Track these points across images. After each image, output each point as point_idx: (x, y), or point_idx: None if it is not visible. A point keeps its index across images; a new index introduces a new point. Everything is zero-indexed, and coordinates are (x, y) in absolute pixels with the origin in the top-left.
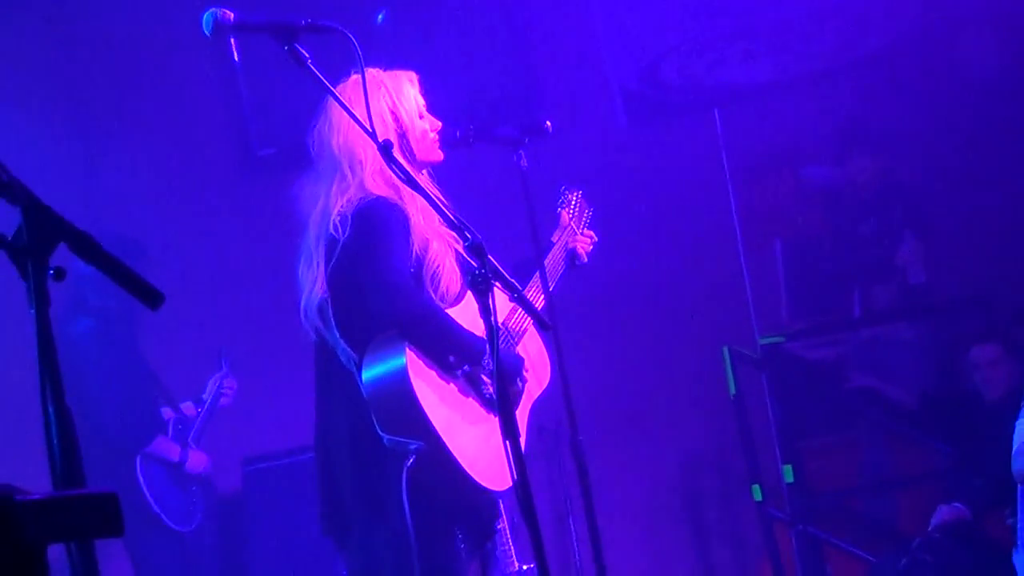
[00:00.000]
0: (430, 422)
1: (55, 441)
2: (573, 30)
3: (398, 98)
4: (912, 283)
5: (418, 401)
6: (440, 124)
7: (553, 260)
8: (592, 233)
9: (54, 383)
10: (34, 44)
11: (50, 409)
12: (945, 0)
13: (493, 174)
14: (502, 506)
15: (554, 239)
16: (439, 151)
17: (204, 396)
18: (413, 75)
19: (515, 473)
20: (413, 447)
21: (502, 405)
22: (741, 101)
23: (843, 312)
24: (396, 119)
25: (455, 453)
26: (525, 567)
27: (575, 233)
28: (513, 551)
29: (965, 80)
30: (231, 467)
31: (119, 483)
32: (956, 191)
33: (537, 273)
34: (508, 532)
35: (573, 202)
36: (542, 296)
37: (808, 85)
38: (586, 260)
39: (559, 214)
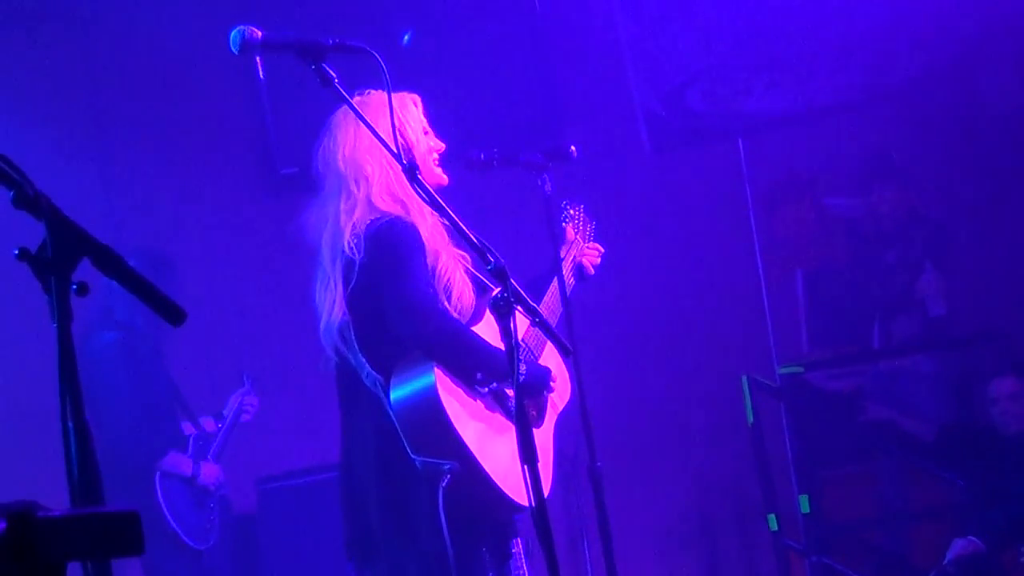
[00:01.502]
0: (463, 441)
1: (74, 456)
2: (599, 54)
3: (404, 117)
4: (932, 316)
5: (450, 420)
6: (444, 146)
7: (565, 275)
8: (598, 245)
9: (74, 398)
10: (57, 60)
11: (69, 424)
12: (970, 35)
13: (500, 191)
14: (519, 527)
15: (561, 254)
16: (443, 174)
17: (225, 412)
18: (417, 97)
19: (532, 496)
20: (447, 467)
21: (521, 431)
22: (765, 130)
23: (863, 343)
24: (403, 137)
25: (488, 471)
26: None
27: (581, 247)
28: (527, 574)
29: (988, 114)
30: (246, 485)
31: (137, 498)
32: (977, 224)
33: (550, 288)
34: (523, 554)
35: (576, 216)
36: (557, 314)
37: (832, 116)
38: (593, 272)
39: (564, 229)
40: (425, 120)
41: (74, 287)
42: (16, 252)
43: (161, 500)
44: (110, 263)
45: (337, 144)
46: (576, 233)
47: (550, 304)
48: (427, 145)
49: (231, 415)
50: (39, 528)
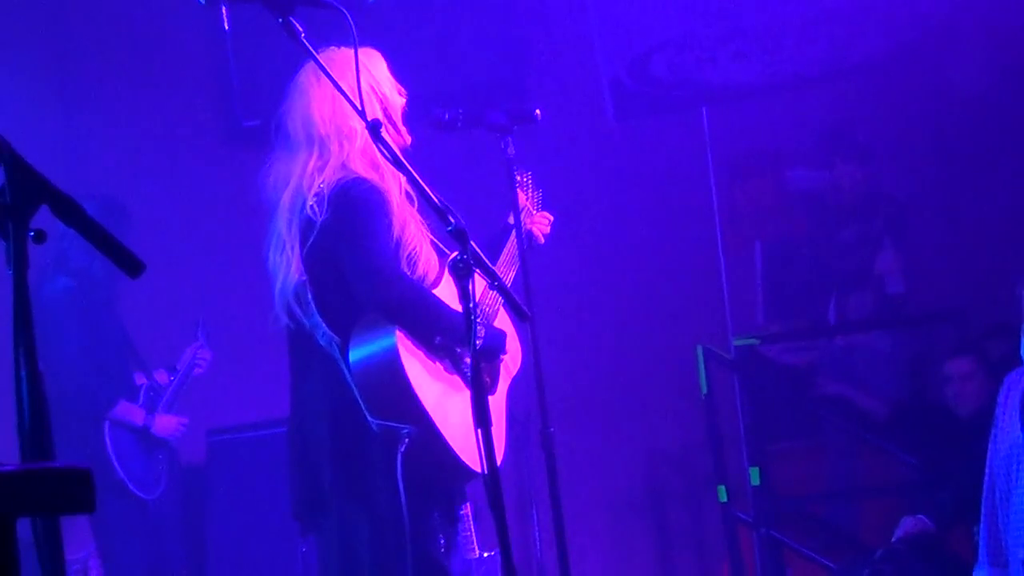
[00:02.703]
0: (422, 405)
1: (25, 407)
2: (564, 20)
3: (377, 74)
4: (890, 293)
5: (410, 384)
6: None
7: (514, 242)
8: (547, 214)
9: (28, 348)
10: (20, 5)
11: (22, 374)
12: (937, 13)
13: (464, 155)
14: (467, 490)
15: (510, 221)
16: (407, 133)
17: (178, 365)
18: (378, 53)
19: (485, 462)
20: (405, 431)
21: (476, 395)
22: (730, 101)
23: (819, 318)
24: (378, 95)
25: (446, 436)
26: (486, 554)
27: (531, 214)
28: (475, 537)
29: (953, 93)
30: (196, 437)
31: (85, 446)
32: (938, 203)
33: (502, 253)
34: (471, 518)
35: (524, 182)
36: (511, 274)
37: (798, 89)
38: (543, 242)
39: (515, 195)
40: (392, 78)
41: (31, 234)
42: None
43: (110, 449)
44: (70, 211)
45: (312, 102)
46: (526, 199)
47: (504, 265)
48: (400, 104)
49: (184, 368)
50: None
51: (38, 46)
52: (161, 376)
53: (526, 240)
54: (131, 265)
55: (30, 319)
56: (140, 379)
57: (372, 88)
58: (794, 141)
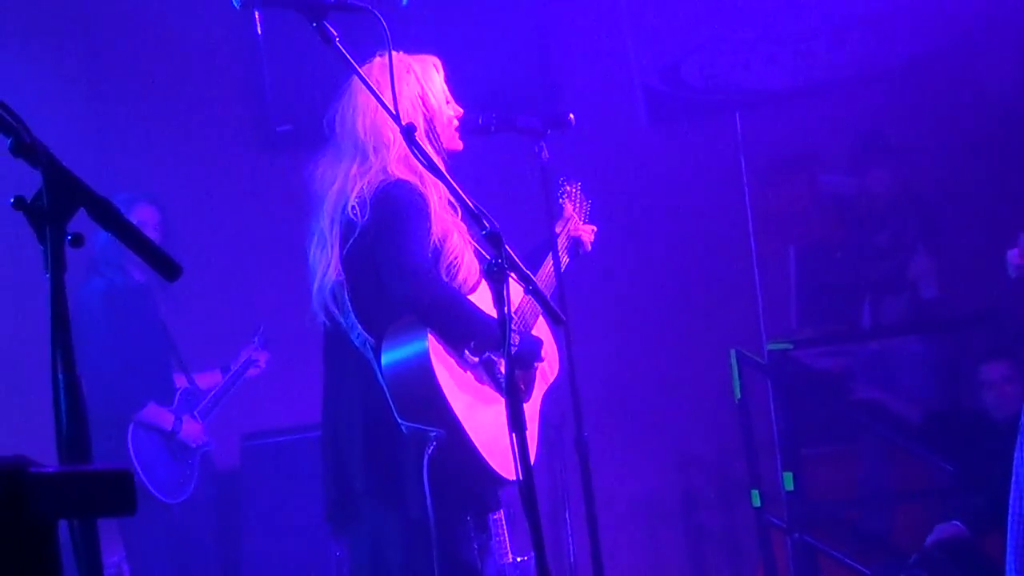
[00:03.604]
0: (451, 409)
1: (63, 410)
2: (598, 25)
3: (426, 82)
4: (923, 297)
5: (440, 388)
6: (462, 111)
7: (560, 250)
8: (593, 227)
9: (66, 351)
10: (55, 11)
11: (60, 377)
12: (968, 17)
13: (502, 163)
14: (501, 496)
15: (557, 229)
16: (459, 140)
17: (232, 365)
18: (438, 61)
19: (519, 467)
20: (433, 434)
21: (511, 399)
22: (762, 105)
23: (853, 322)
24: (425, 104)
25: (475, 441)
26: (519, 559)
27: (578, 223)
28: (508, 542)
29: (984, 97)
30: (230, 442)
31: (109, 448)
32: (971, 207)
33: (545, 261)
34: (505, 523)
35: (573, 194)
36: (551, 289)
37: (830, 93)
38: (589, 249)
39: (561, 205)
40: (446, 87)
41: (69, 238)
42: (12, 201)
43: (131, 451)
44: (106, 215)
45: (358, 108)
46: (573, 209)
47: (544, 278)
48: (448, 114)
49: (237, 368)
50: (31, 484)
51: (71, 52)
52: (207, 379)
53: (572, 248)
54: (167, 268)
55: (68, 322)
56: (181, 382)
57: (419, 95)
58: (827, 145)
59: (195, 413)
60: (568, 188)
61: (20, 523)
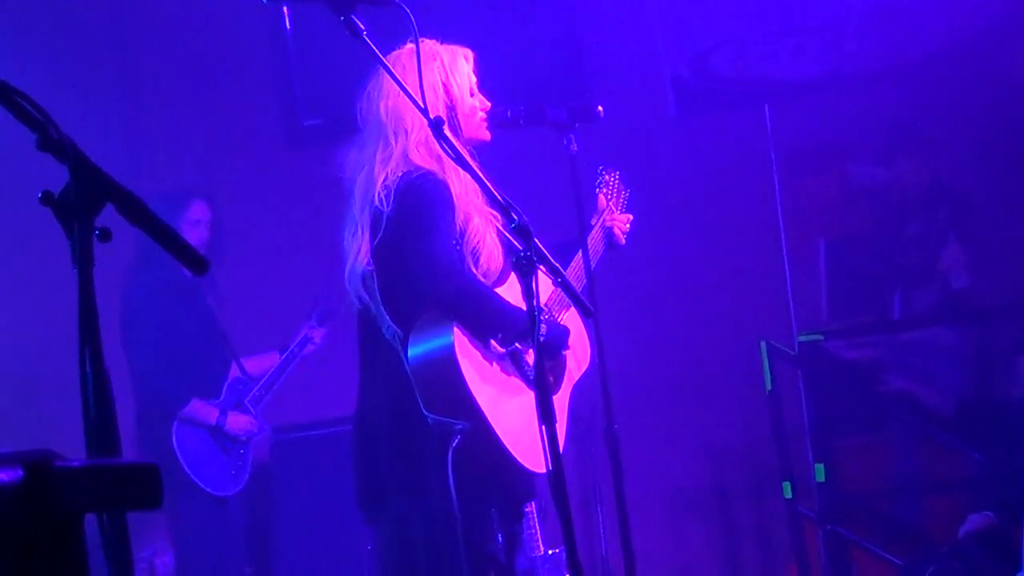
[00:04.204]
0: (476, 403)
1: (91, 406)
2: (627, 16)
3: (452, 71)
4: (954, 288)
5: (465, 382)
6: (490, 104)
7: (593, 242)
8: (629, 216)
9: (93, 346)
10: (84, 6)
11: (88, 371)
12: (999, 7)
13: (535, 155)
14: (533, 489)
15: (592, 221)
16: (487, 131)
17: (290, 344)
18: (469, 52)
19: (550, 459)
20: (458, 427)
21: (540, 391)
22: (791, 96)
23: (883, 313)
24: (447, 92)
25: (500, 434)
26: (551, 552)
27: (613, 214)
28: (540, 535)
29: (1017, 86)
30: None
31: (156, 447)
32: (1003, 197)
33: (577, 254)
34: (536, 515)
35: (611, 183)
36: (583, 280)
37: (859, 84)
38: (623, 242)
39: (596, 196)
40: (475, 76)
41: (96, 232)
42: (39, 196)
43: (176, 447)
44: (134, 209)
45: (381, 93)
46: (608, 200)
47: (575, 272)
48: (471, 104)
49: (293, 346)
50: (56, 478)
51: (101, 49)
52: (263, 362)
53: (607, 239)
54: (195, 262)
55: (96, 318)
56: (236, 373)
57: (442, 82)
58: (857, 136)
59: (245, 403)
60: (606, 177)
61: (46, 517)
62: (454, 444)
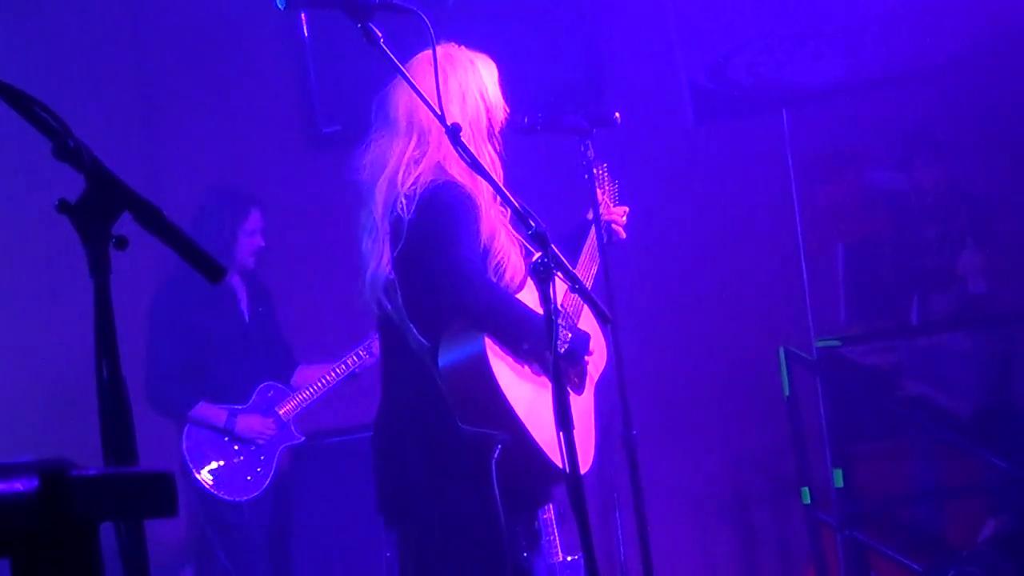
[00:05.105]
0: (513, 411)
1: (108, 413)
2: (644, 24)
3: (490, 80)
4: (972, 293)
5: (501, 392)
6: (508, 111)
7: (593, 239)
8: (625, 208)
9: (110, 353)
10: (101, 14)
11: (105, 379)
12: (1017, 12)
13: (541, 160)
14: (551, 493)
15: (589, 217)
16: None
17: (345, 358)
18: (492, 63)
19: (567, 463)
20: (497, 438)
21: (558, 398)
22: (809, 102)
23: (901, 319)
24: (484, 100)
25: (538, 440)
26: (569, 558)
27: (609, 208)
28: (558, 541)
29: None
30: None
31: (173, 451)
32: (1020, 201)
33: (585, 247)
34: (555, 521)
35: (601, 176)
36: (593, 269)
37: (877, 89)
38: (624, 235)
39: (593, 191)
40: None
41: (113, 241)
42: (56, 204)
43: (184, 450)
44: (150, 217)
45: (411, 95)
46: (603, 194)
47: (585, 263)
48: (502, 112)
49: (353, 364)
50: (72, 486)
51: (120, 56)
52: (309, 373)
53: (605, 235)
54: (211, 270)
55: (112, 325)
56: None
57: (480, 90)
58: (874, 141)
59: (275, 410)
60: (595, 171)
61: (62, 526)
62: (495, 456)
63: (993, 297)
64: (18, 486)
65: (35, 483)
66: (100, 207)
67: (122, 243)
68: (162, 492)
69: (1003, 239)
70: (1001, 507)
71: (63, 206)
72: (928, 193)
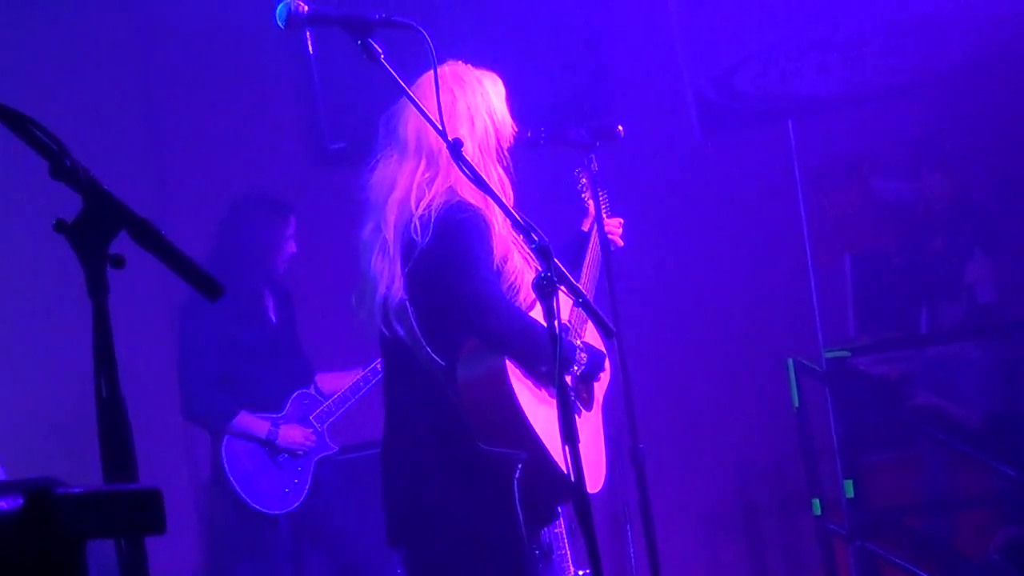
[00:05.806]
0: (534, 432)
1: (106, 431)
2: (648, 36)
3: (498, 99)
4: (981, 302)
5: (522, 411)
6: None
7: (593, 252)
8: (620, 219)
9: (109, 371)
10: (107, 32)
11: (104, 396)
12: (1021, 20)
13: (542, 174)
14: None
15: (585, 227)
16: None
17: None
18: (500, 81)
19: (573, 476)
20: (518, 457)
21: (564, 413)
22: (815, 112)
23: (910, 329)
24: (492, 118)
25: (557, 459)
26: (581, 573)
27: (603, 220)
28: (570, 556)
29: None
30: None
31: (212, 463)
32: None
33: (586, 259)
34: (566, 536)
35: (589, 188)
36: (595, 279)
37: (883, 99)
38: (621, 244)
39: (585, 203)
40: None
41: (110, 260)
42: (53, 224)
43: (224, 463)
44: (147, 236)
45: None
46: (594, 207)
47: (588, 275)
48: (509, 132)
49: (374, 366)
50: (57, 505)
51: (125, 72)
52: (341, 378)
53: (603, 245)
54: (209, 287)
55: (111, 344)
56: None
57: (488, 110)
58: (882, 151)
59: (310, 419)
60: (584, 181)
61: (47, 544)
62: (517, 475)
63: (1002, 306)
64: (3, 505)
65: (20, 502)
66: (97, 226)
67: (119, 262)
68: (149, 509)
69: (1011, 248)
70: (1012, 516)
71: (60, 226)
72: (935, 202)
